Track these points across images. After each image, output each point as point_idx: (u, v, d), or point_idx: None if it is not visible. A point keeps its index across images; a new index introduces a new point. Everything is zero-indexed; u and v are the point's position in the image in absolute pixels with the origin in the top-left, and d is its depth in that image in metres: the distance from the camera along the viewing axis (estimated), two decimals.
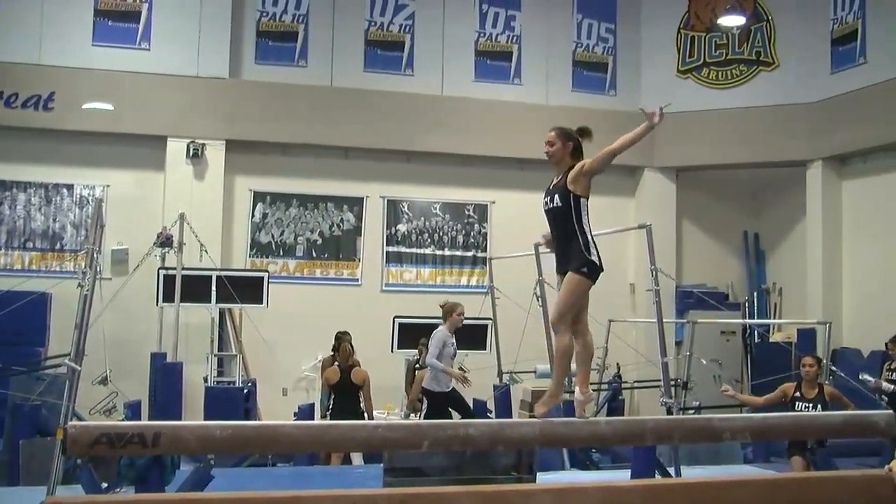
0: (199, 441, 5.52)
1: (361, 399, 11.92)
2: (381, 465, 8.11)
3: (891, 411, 9.20)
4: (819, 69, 16.83)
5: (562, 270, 6.32)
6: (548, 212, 6.41)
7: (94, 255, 10.98)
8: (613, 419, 7.77)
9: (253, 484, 9.26)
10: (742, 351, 17.84)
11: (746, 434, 6.53)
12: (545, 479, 8.98)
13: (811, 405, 9.59)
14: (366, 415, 11.83)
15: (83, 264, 9.19)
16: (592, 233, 6.32)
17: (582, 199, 6.25)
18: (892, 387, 11.51)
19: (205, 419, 11.93)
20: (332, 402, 11.89)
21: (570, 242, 6.22)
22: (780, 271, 18.42)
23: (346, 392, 11.80)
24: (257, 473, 10.74)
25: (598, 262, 6.22)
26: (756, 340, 17.57)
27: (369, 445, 6.61)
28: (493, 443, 6.11)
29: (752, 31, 17.72)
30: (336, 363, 12.29)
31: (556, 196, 6.28)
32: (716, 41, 18.00)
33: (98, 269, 13.26)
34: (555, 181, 6.41)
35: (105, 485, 6.82)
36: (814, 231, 16.87)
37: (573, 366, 6.42)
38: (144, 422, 9.40)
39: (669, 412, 10.51)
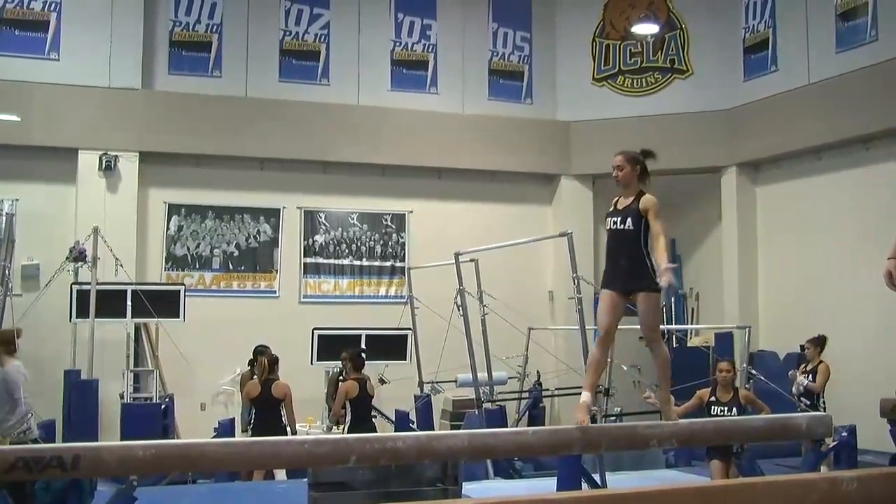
0: (120, 462, 5.34)
1: (283, 413, 11.74)
2: (305, 479, 8.02)
3: (814, 413, 9.38)
4: (732, 77, 17.12)
5: (623, 289, 6.38)
6: (614, 231, 6.49)
7: (4, 271, 10.75)
8: (540, 429, 7.75)
9: None
10: None
11: (673, 441, 6.56)
12: (470, 488, 8.95)
13: (726, 409, 9.68)
14: (288, 429, 11.66)
15: None
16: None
17: None
18: (805, 381, 11.65)
19: (122, 437, 11.72)
20: (253, 416, 11.69)
21: (637, 264, 6.31)
22: (697, 276, 18.61)
23: (267, 406, 11.57)
24: (178, 492, 10.54)
25: None
26: (674, 345, 17.69)
27: (296, 462, 6.49)
28: (421, 456, 6.04)
29: (666, 40, 17.91)
30: (255, 377, 12.10)
31: (629, 219, 6.41)
32: (630, 49, 18.16)
33: (8, 285, 13.03)
34: (625, 203, 6.54)
35: None
36: (729, 236, 17.13)
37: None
38: (62, 444, 9.14)
39: (593, 420, 10.54)
